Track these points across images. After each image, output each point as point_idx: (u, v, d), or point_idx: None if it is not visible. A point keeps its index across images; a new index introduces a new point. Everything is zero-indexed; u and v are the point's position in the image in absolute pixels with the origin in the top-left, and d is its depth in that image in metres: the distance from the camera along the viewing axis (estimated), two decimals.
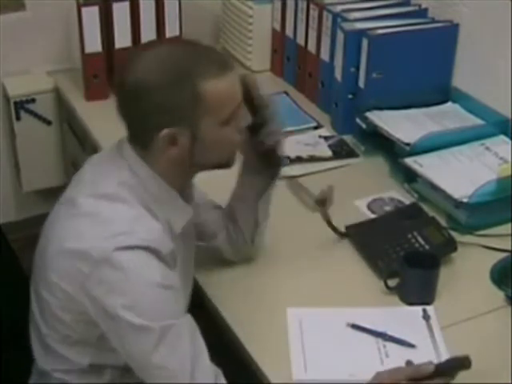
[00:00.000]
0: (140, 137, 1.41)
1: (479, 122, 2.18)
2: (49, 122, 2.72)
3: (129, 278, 1.31)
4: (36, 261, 1.48)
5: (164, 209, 1.42)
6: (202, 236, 1.68)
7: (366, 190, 2.03)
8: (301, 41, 2.49)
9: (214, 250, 1.72)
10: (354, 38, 2.20)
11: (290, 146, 2.08)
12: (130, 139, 1.43)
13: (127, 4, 2.44)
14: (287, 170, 1.99)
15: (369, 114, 2.17)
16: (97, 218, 1.36)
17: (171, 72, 1.34)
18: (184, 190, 1.49)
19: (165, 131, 1.35)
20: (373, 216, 1.93)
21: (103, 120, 2.39)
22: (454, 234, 1.81)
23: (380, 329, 1.57)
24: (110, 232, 1.33)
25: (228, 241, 1.70)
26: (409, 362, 1.46)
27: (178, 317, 1.36)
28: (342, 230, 1.85)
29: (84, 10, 2.39)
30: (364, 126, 2.17)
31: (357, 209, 1.96)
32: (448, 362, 1.43)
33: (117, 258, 1.31)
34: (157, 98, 1.34)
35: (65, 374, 1.48)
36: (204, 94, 1.34)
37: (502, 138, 2.11)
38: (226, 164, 1.47)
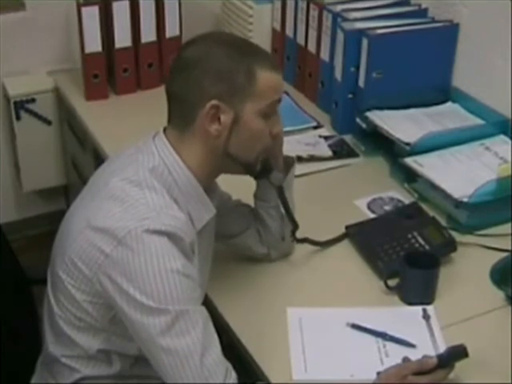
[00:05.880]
0: (184, 112, 1.44)
1: (479, 121, 2.18)
2: (49, 122, 2.73)
3: (149, 262, 1.33)
4: (56, 243, 1.51)
5: (188, 202, 1.45)
6: (231, 233, 1.71)
7: (365, 189, 2.03)
8: (301, 41, 2.50)
9: (245, 248, 1.74)
10: (354, 38, 2.20)
11: (290, 146, 2.08)
12: (170, 121, 1.48)
13: (127, 4, 2.45)
14: None
15: (369, 114, 2.17)
16: (125, 201, 1.39)
17: (233, 48, 1.43)
18: (209, 191, 1.52)
19: (212, 102, 1.40)
20: (373, 216, 1.93)
21: (103, 120, 2.42)
22: (454, 233, 1.81)
23: (380, 329, 1.57)
24: (137, 215, 1.36)
25: (259, 240, 1.73)
26: (406, 359, 1.47)
27: (194, 305, 1.38)
28: (342, 229, 1.85)
29: (84, 9, 2.39)
30: (364, 125, 2.17)
31: (357, 209, 1.96)
32: (447, 352, 1.44)
33: (140, 240, 1.34)
34: (214, 64, 1.41)
35: (74, 361, 1.49)
36: (257, 77, 1.42)
37: (502, 137, 2.11)
38: (251, 166, 1.51)
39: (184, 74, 1.43)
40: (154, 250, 1.34)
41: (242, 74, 1.41)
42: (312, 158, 2.17)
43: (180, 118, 1.46)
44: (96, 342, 1.46)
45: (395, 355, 1.50)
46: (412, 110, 2.23)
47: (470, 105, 2.23)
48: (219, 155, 1.46)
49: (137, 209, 1.38)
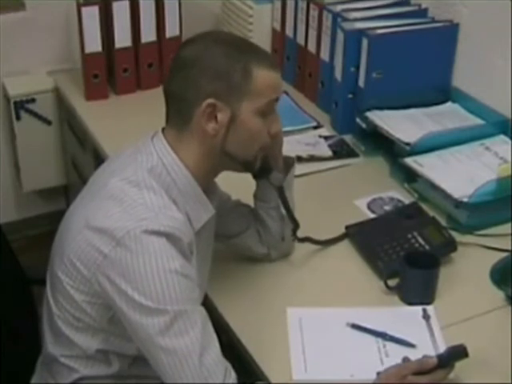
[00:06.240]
0: (182, 111, 1.44)
1: (479, 121, 2.18)
2: (49, 122, 2.73)
3: (147, 262, 1.33)
4: (55, 243, 1.51)
5: (187, 203, 1.45)
6: (231, 233, 1.71)
7: (365, 189, 2.03)
8: (301, 41, 2.50)
9: (245, 249, 1.75)
10: (354, 38, 2.20)
11: (290, 146, 2.08)
12: (168, 121, 1.48)
13: (127, 4, 2.44)
14: None
15: (369, 114, 2.17)
16: (124, 201, 1.39)
17: (230, 47, 1.43)
18: (208, 191, 1.52)
19: (209, 100, 1.40)
20: (373, 216, 1.93)
21: (103, 120, 2.42)
22: (454, 233, 1.81)
23: (380, 329, 1.57)
24: (135, 216, 1.36)
25: (259, 240, 1.73)
26: (406, 359, 1.47)
27: (193, 305, 1.38)
28: (342, 229, 1.85)
29: (84, 9, 2.39)
30: (364, 125, 2.17)
31: (357, 209, 1.96)
32: (446, 352, 1.44)
33: (138, 241, 1.34)
34: (211, 63, 1.41)
35: (72, 361, 1.49)
36: (253, 76, 1.42)
37: (502, 137, 2.11)
38: (250, 164, 1.51)
39: (182, 73, 1.43)
40: (153, 251, 1.34)
41: (238, 73, 1.41)
42: (312, 158, 2.17)
43: (178, 117, 1.46)
44: (94, 342, 1.46)
45: (395, 355, 1.50)
46: (412, 110, 2.23)
47: (470, 105, 2.23)
48: (217, 154, 1.46)
49: (135, 209, 1.38)
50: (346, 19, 2.28)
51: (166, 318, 1.33)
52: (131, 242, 1.34)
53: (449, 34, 2.26)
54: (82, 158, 2.59)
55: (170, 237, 1.35)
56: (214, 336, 1.39)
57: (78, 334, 1.46)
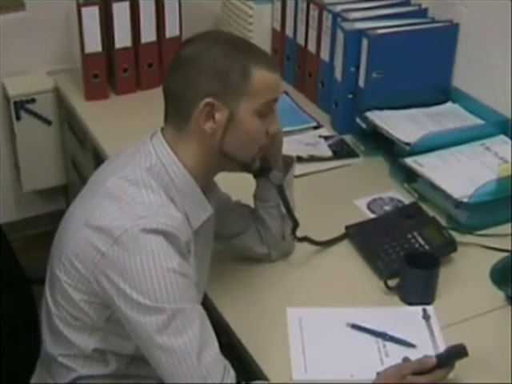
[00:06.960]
0: (180, 110, 1.44)
1: (479, 121, 2.18)
2: (49, 122, 2.73)
3: (145, 261, 1.34)
4: (55, 243, 1.52)
5: (185, 202, 1.45)
6: (231, 233, 1.72)
7: (366, 189, 2.03)
8: (301, 41, 2.50)
9: (245, 249, 1.75)
10: (354, 38, 2.20)
11: (290, 146, 2.08)
12: (167, 120, 1.48)
13: (127, 4, 2.45)
14: None
15: (369, 114, 2.17)
16: (122, 200, 1.39)
17: (229, 47, 1.44)
18: (207, 190, 1.52)
19: (207, 99, 1.40)
20: (373, 216, 1.93)
21: (103, 120, 2.42)
22: (454, 233, 1.81)
23: (380, 329, 1.57)
24: (133, 214, 1.37)
25: (260, 239, 1.73)
26: (406, 359, 1.47)
27: (191, 303, 1.38)
28: (342, 229, 1.85)
29: (84, 10, 2.39)
30: (364, 125, 2.17)
31: (357, 209, 1.96)
32: (446, 351, 1.45)
33: (136, 239, 1.34)
34: (210, 63, 1.41)
35: (70, 360, 1.49)
36: (252, 76, 1.42)
37: (502, 137, 2.11)
38: (248, 165, 1.52)
39: (181, 72, 1.44)
40: (150, 249, 1.34)
41: (236, 73, 1.41)
42: (312, 158, 2.17)
43: (176, 116, 1.46)
44: (92, 341, 1.46)
45: (395, 355, 1.50)
46: (412, 110, 2.23)
47: (470, 105, 2.23)
48: (215, 154, 1.46)
49: (133, 207, 1.38)
50: (345, 19, 2.28)
51: (164, 316, 1.33)
52: (129, 240, 1.34)
53: (449, 34, 2.26)
54: (82, 158, 2.59)
55: (167, 235, 1.36)
56: (213, 335, 1.39)
57: (76, 334, 1.46)
